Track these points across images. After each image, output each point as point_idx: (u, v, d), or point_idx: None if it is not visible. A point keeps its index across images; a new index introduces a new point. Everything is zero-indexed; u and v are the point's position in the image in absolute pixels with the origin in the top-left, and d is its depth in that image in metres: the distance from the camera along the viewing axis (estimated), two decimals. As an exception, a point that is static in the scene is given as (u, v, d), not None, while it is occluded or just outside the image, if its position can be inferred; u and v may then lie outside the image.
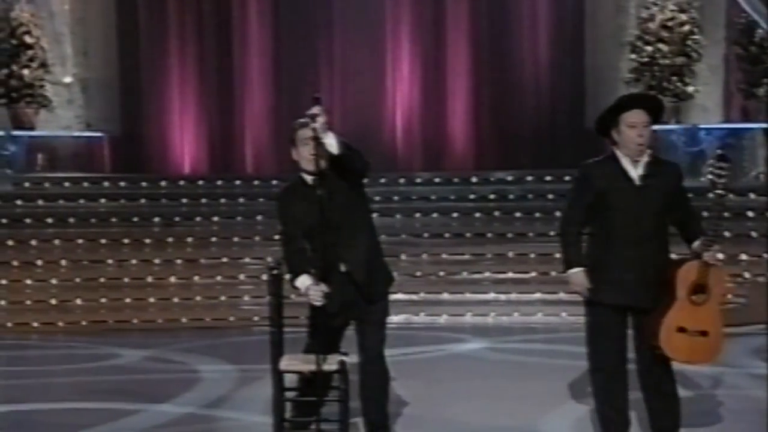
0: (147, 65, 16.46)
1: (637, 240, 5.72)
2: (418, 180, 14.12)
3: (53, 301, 11.92)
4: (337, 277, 6.03)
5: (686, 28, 14.32)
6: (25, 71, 14.61)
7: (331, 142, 5.78)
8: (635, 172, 5.76)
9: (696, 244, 5.73)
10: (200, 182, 14.46)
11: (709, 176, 5.63)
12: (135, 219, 13.46)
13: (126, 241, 13.03)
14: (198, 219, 13.52)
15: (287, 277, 6.10)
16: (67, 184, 14.12)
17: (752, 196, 12.70)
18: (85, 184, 14.15)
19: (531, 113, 16.31)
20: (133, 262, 12.61)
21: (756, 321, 10.42)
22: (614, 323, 5.84)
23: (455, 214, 13.54)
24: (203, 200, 13.84)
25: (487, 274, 12.27)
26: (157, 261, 12.61)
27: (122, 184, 14.19)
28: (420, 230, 13.25)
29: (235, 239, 13.07)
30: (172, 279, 12.34)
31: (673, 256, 5.90)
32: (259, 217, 13.35)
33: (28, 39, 14.65)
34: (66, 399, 8.11)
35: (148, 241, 13.03)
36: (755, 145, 13.64)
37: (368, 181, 6.27)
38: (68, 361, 9.77)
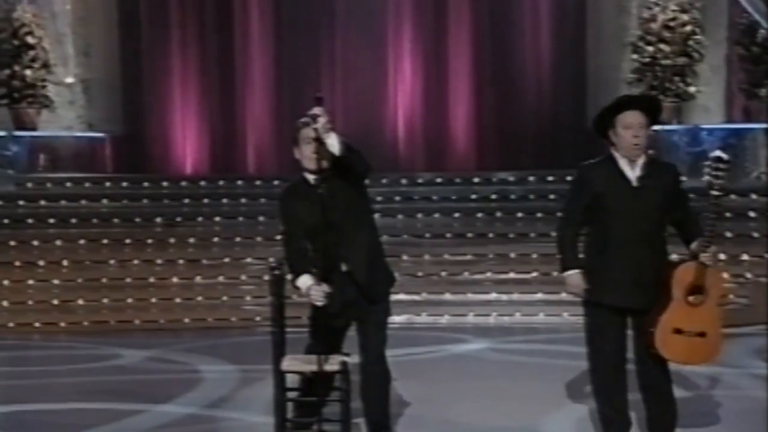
0: (149, 66, 16.47)
1: (635, 241, 5.72)
2: (420, 180, 14.12)
3: (55, 302, 11.93)
4: (339, 277, 6.04)
5: (688, 28, 14.30)
6: (27, 72, 14.60)
7: (333, 143, 5.79)
8: (632, 174, 5.77)
9: (694, 245, 5.73)
10: (202, 182, 14.46)
11: (706, 177, 5.63)
12: (137, 219, 13.47)
13: (128, 241, 13.03)
14: (200, 219, 13.53)
15: (289, 277, 6.11)
16: (69, 184, 14.13)
17: (754, 196, 12.70)
18: (87, 185, 14.16)
19: (533, 113, 16.31)
20: (135, 262, 12.62)
21: (757, 321, 10.42)
22: (613, 324, 5.85)
23: (457, 215, 13.54)
24: (205, 200, 13.83)
25: (488, 274, 12.28)
26: (159, 261, 12.62)
27: (124, 184, 14.20)
28: (422, 230, 13.25)
29: (237, 239, 13.08)
30: (174, 279, 12.35)
31: (674, 256, 5.91)
32: (261, 218, 13.35)
33: (30, 39, 14.65)
34: (68, 399, 8.11)
35: (150, 241, 13.04)
36: (757, 146, 13.62)
37: (370, 181, 6.28)
38: (70, 362, 9.77)
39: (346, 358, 6.13)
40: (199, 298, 12.04)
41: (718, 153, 5.70)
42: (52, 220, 13.33)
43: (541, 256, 11.98)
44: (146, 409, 7.73)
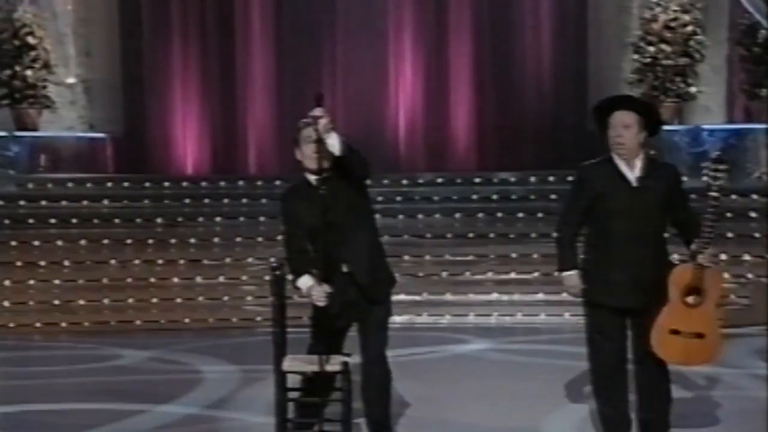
0: (150, 66, 16.48)
1: (634, 242, 5.73)
2: (421, 180, 14.12)
3: (56, 302, 11.93)
4: (340, 277, 6.04)
5: (689, 28, 14.29)
6: (28, 72, 14.60)
7: (334, 144, 5.79)
8: (631, 174, 5.78)
9: (692, 246, 5.73)
10: (203, 183, 14.46)
11: (704, 178, 5.64)
12: (138, 220, 13.47)
13: (129, 241, 13.05)
14: (201, 219, 13.53)
15: (290, 277, 6.11)
16: (70, 184, 14.13)
17: (755, 197, 12.70)
18: (88, 185, 14.16)
19: (534, 114, 16.31)
20: (136, 262, 12.62)
21: (758, 322, 10.41)
22: (613, 324, 5.85)
23: (458, 215, 13.54)
24: (206, 201, 13.83)
25: (489, 274, 12.27)
26: (159, 261, 12.62)
27: (125, 184, 14.21)
28: (423, 231, 13.25)
29: (238, 240, 13.09)
30: (175, 279, 12.35)
31: (675, 256, 5.91)
32: (261, 218, 13.36)
33: (31, 40, 14.64)
34: (68, 400, 8.13)
35: (150, 241, 13.05)
36: (758, 146, 13.62)
37: (371, 182, 6.29)
38: (71, 362, 9.77)
39: (347, 359, 6.12)
40: (200, 299, 12.04)
41: (717, 154, 5.71)
42: (53, 221, 13.34)
43: (542, 257, 11.96)
44: (147, 409, 7.73)
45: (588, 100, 15.64)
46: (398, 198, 13.67)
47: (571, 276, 5.92)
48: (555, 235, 6.05)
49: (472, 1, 16.44)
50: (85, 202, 13.74)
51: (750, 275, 11.64)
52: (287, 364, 6.11)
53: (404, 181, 13.98)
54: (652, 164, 5.85)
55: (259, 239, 13.01)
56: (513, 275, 12.18)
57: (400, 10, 16.47)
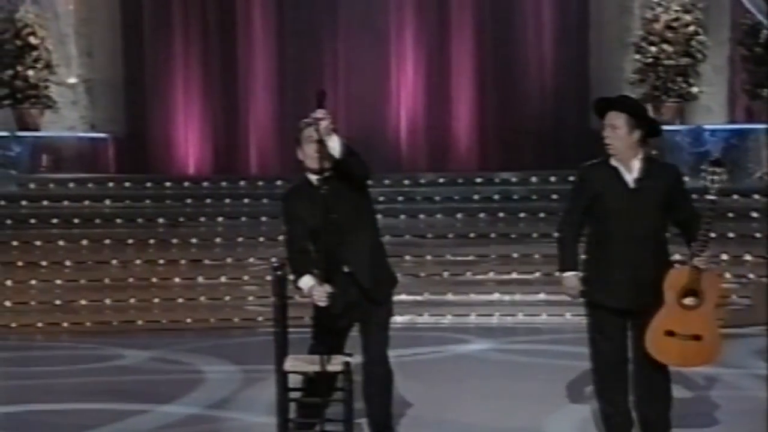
0: (151, 66, 16.49)
1: (633, 242, 5.74)
2: (423, 180, 14.13)
3: (58, 302, 11.93)
4: (341, 277, 6.04)
5: (691, 28, 14.30)
6: (30, 72, 14.62)
7: (334, 146, 5.80)
8: (629, 176, 5.79)
9: (690, 248, 5.73)
10: (205, 183, 14.48)
11: (702, 181, 5.65)
12: (139, 220, 13.49)
13: (130, 241, 13.06)
14: (202, 219, 13.55)
15: (291, 277, 6.11)
16: (71, 185, 14.14)
17: (756, 197, 12.70)
18: (90, 185, 14.18)
19: (535, 114, 16.32)
20: (138, 262, 12.62)
21: (759, 322, 10.41)
22: (613, 324, 5.87)
23: (459, 215, 13.55)
24: (208, 201, 13.85)
25: (491, 274, 12.27)
26: (161, 261, 12.63)
27: (127, 184, 14.22)
28: (424, 231, 13.26)
29: (240, 240, 13.10)
30: (177, 280, 12.35)
31: (676, 256, 5.92)
32: (263, 218, 13.37)
33: (32, 40, 14.66)
34: (70, 400, 8.13)
35: (152, 241, 13.06)
36: (759, 146, 13.62)
37: (372, 182, 6.29)
38: (72, 362, 9.77)
39: (348, 359, 6.12)
40: (202, 299, 12.04)
41: (715, 157, 5.72)
42: (54, 221, 13.36)
43: (544, 257, 11.95)
44: (149, 409, 7.74)
45: (590, 100, 15.60)
46: (400, 198, 13.68)
47: (570, 277, 5.94)
48: (556, 235, 6.07)
49: (473, 2, 16.45)
50: (86, 202, 13.76)
51: (751, 275, 11.64)
52: (289, 364, 6.11)
53: (406, 181, 13.99)
54: (652, 165, 5.85)
55: (261, 239, 13.01)
56: (514, 275, 12.17)
57: (401, 10, 16.48)
